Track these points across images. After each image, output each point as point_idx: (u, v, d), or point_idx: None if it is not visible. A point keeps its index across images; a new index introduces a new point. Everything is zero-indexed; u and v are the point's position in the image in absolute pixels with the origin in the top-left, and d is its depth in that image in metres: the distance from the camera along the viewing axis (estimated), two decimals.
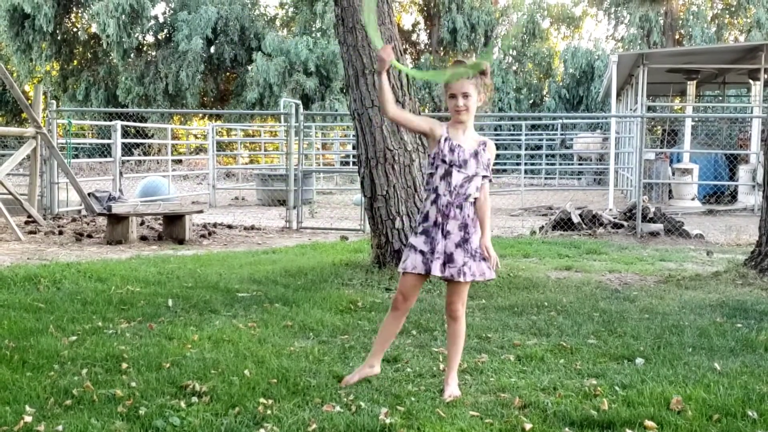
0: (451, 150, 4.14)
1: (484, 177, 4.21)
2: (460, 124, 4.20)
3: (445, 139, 4.16)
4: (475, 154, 4.18)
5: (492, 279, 4.35)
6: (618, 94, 23.71)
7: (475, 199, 4.20)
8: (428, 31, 42.64)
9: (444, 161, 4.14)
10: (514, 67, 39.85)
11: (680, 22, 37.71)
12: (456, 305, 4.28)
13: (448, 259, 4.15)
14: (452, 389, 4.21)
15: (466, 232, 4.17)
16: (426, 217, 4.20)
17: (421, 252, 4.17)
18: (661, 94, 27.46)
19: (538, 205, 18.64)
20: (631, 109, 23.01)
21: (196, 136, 32.64)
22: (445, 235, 4.14)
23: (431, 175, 4.21)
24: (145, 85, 37.42)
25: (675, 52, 23.00)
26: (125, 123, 17.10)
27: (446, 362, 4.43)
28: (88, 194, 12.96)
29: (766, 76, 19.05)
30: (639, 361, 4.89)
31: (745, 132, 22.90)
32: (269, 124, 33.13)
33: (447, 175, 4.14)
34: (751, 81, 21.48)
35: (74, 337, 5.21)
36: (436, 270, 4.13)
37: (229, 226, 13.05)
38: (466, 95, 4.12)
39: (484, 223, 4.23)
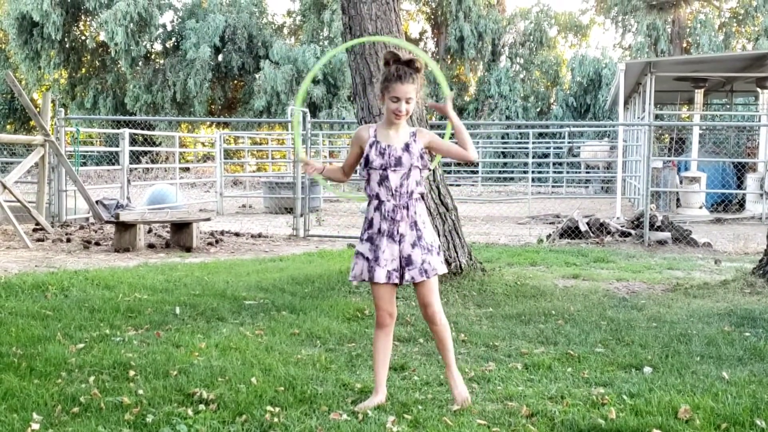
0: (381, 153, 4.08)
1: (422, 168, 4.15)
2: (393, 125, 4.14)
3: (371, 144, 4.10)
4: (407, 147, 4.12)
5: (444, 272, 4.22)
6: (625, 103, 23.71)
7: (420, 194, 4.16)
8: (435, 39, 42.69)
9: (374, 167, 4.09)
10: (522, 75, 39.86)
11: (688, 30, 37.69)
12: (432, 306, 4.17)
13: (407, 262, 4.08)
14: (461, 391, 4.18)
15: (417, 229, 4.12)
16: (370, 224, 4.13)
17: (367, 259, 4.11)
18: (669, 102, 27.42)
19: (546, 213, 18.62)
20: (638, 118, 22.98)
21: (203, 144, 32.76)
22: (399, 239, 4.09)
23: (368, 181, 4.14)
24: (153, 93, 37.56)
25: (682, 60, 22.98)
26: (133, 131, 17.15)
27: (444, 366, 4.32)
28: (96, 202, 12.98)
29: None
30: (647, 369, 4.87)
31: (753, 140, 22.86)
32: (276, 132, 33.18)
33: (384, 179, 4.09)
34: (759, 89, 21.43)
35: (82, 345, 5.22)
36: (381, 277, 4.06)
37: (237, 234, 13.07)
38: (408, 100, 4.06)
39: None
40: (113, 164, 17.58)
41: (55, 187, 13.90)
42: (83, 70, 40.99)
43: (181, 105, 37.46)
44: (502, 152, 32.50)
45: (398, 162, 4.09)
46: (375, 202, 4.12)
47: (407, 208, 4.11)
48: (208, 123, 42.08)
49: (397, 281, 4.11)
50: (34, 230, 12.30)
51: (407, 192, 4.11)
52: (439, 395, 4.31)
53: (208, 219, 12.44)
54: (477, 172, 29.54)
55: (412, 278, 4.09)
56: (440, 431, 3.75)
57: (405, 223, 4.10)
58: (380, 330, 4.22)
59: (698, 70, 20.15)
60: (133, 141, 18.79)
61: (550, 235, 12.79)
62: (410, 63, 4.07)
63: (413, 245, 4.10)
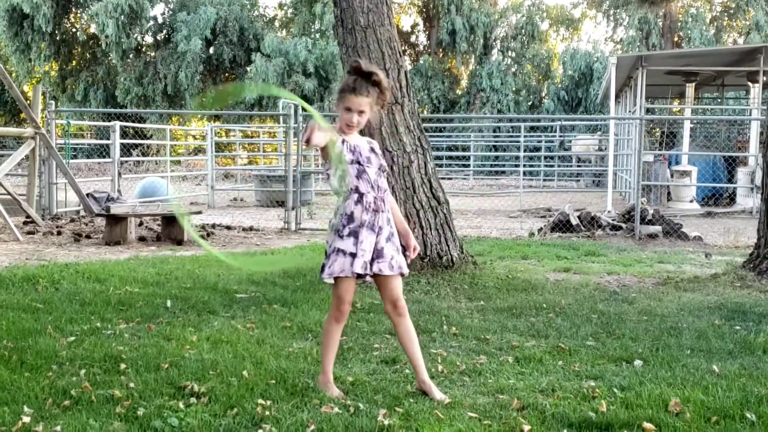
0: (351, 151, 4.11)
1: (384, 171, 4.23)
2: (349, 131, 4.15)
3: (343, 141, 4.09)
4: (371, 150, 4.21)
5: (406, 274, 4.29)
6: (617, 96, 23.73)
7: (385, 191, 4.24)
8: (427, 32, 42.65)
9: (353, 162, 4.09)
10: (513, 69, 39.84)
11: (679, 24, 37.74)
12: (401, 300, 4.22)
13: (377, 255, 4.12)
14: (436, 390, 4.20)
15: (390, 225, 4.20)
16: (351, 218, 4.09)
17: (351, 254, 4.07)
18: (660, 96, 27.46)
19: (537, 206, 18.64)
20: (629, 111, 23.02)
21: (194, 137, 32.64)
22: (378, 231, 4.12)
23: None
24: (144, 85, 37.44)
25: (674, 54, 23.03)
26: (124, 123, 17.08)
27: (413, 366, 4.28)
28: (87, 195, 12.94)
29: (764, 79, 19.08)
30: (637, 363, 4.89)
31: (744, 134, 22.92)
32: (268, 125, 33.12)
33: (361, 173, 4.11)
34: (749, 83, 21.50)
35: (72, 338, 5.21)
36: (358, 268, 4.06)
37: (228, 227, 13.04)
38: (361, 113, 4.09)
39: (401, 218, 4.33)
40: (104, 157, 17.54)
41: (45, 180, 13.85)
42: (74, 62, 40.83)
43: (172, 98, 37.35)
44: (494, 146, 32.48)
45: (369, 160, 4.15)
46: (355, 196, 4.10)
47: (383, 201, 4.16)
48: (199, 116, 41.99)
49: (369, 272, 4.12)
50: (25, 223, 12.26)
51: (383, 187, 4.18)
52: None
53: (200, 212, 12.42)
54: (469, 165, 29.56)
55: (380, 270, 4.12)
56: (432, 424, 3.75)
57: (384, 215, 4.15)
58: (339, 324, 4.26)
59: (689, 64, 20.18)
60: (124, 134, 18.72)
61: (541, 228, 12.81)
62: (369, 76, 4.07)
63: (387, 239, 4.15)
